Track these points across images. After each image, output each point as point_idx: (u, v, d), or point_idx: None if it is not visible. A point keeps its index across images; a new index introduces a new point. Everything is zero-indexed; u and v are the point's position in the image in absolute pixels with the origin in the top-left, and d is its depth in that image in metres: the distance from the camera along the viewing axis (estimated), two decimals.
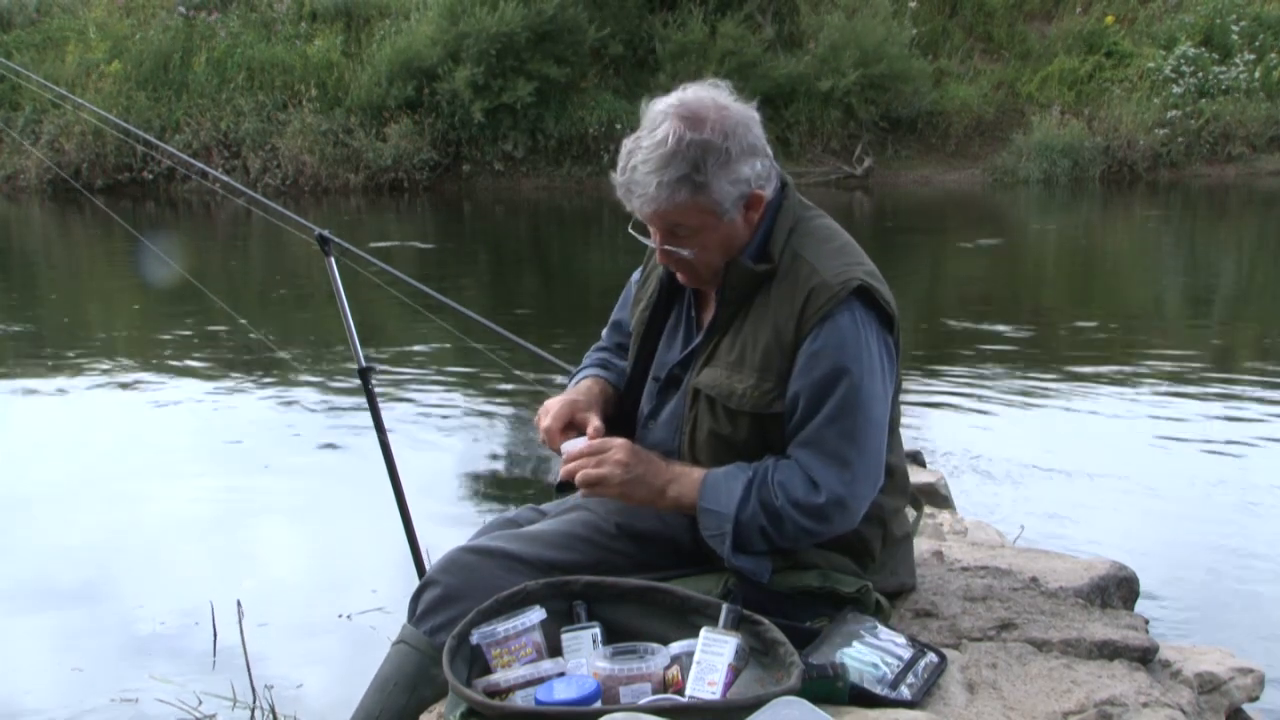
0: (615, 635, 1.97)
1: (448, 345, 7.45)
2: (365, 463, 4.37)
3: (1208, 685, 2.25)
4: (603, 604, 2.02)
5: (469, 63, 16.57)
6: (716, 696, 1.80)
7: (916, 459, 3.96)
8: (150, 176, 17.64)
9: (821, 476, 2.04)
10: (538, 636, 1.93)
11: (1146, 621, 2.35)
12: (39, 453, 5.88)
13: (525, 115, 17.09)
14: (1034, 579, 2.43)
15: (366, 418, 3.53)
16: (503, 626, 1.92)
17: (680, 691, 1.84)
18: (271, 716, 3.18)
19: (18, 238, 15.48)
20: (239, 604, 3.51)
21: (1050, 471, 5.18)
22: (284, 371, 7.16)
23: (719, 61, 16.52)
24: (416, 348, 7.87)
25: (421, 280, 4.27)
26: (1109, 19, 18.70)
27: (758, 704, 1.69)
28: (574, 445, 2.16)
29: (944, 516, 3.36)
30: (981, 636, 2.19)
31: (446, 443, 5.88)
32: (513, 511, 2.44)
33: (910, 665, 1.98)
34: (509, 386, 6.61)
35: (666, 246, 2.12)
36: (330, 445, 5.79)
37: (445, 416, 6.33)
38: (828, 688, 1.84)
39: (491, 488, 5.31)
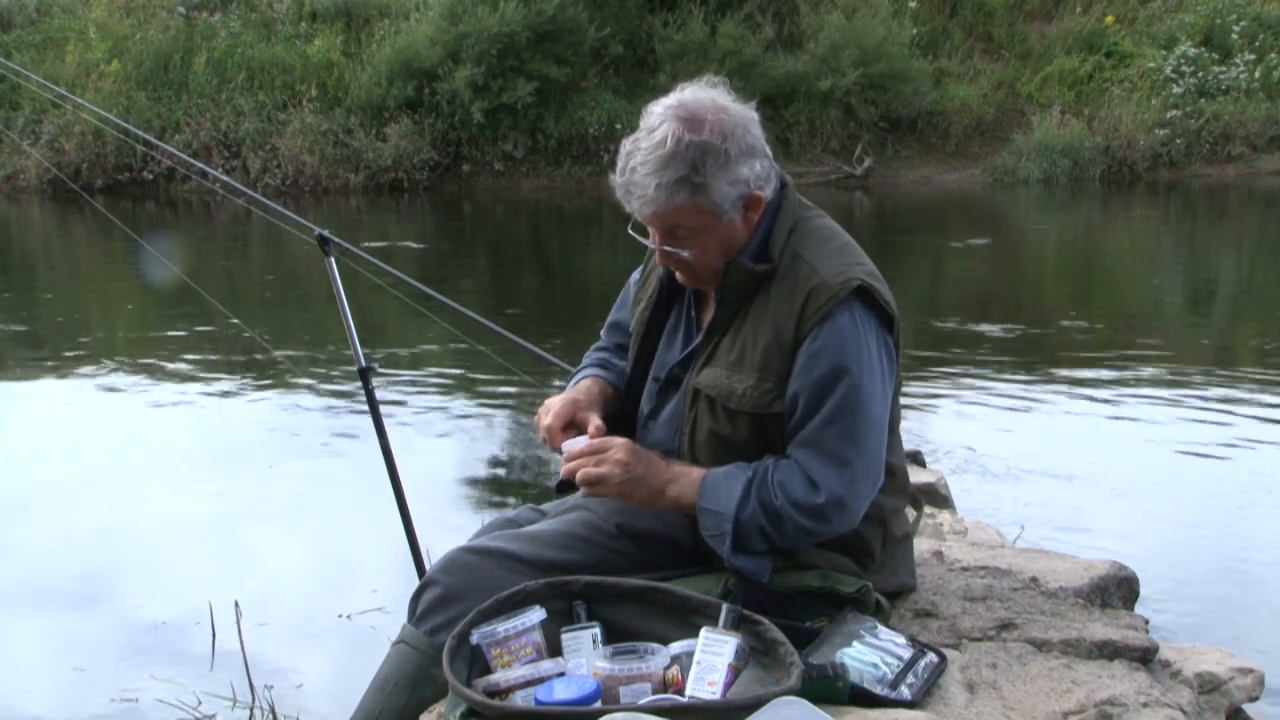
0: (615, 635, 1.97)
1: (448, 345, 7.45)
2: (365, 462, 4.37)
3: (1208, 685, 2.25)
4: (603, 604, 2.02)
5: (469, 63, 16.57)
6: (716, 696, 1.80)
7: (916, 459, 3.96)
8: (150, 176, 17.64)
9: (821, 476, 2.04)
10: (538, 636, 1.93)
11: (1146, 621, 2.35)
12: (39, 452, 5.87)
13: (525, 115, 17.09)
14: (1034, 579, 2.43)
15: (366, 418, 3.53)
16: (503, 626, 1.92)
17: (680, 691, 1.84)
18: (271, 716, 3.18)
19: (18, 238, 15.48)
20: (237, 604, 3.51)
21: (1050, 471, 5.18)
22: (284, 371, 7.16)
23: (719, 61, 16.51)
24: (416, 348, 7.87)
25: (420, 280, 4.27)
26: (1109, 19, 18.70)
27: (758, 704, 1.69)
28: (575, 444, 2.16)
29: (944, 516, 3.36)
30: (981, 636, 2.19)
31: (446, 443, 5.88)
32: (513, 511, 2.44)
33: (910, 665, 1.98)
34: (509, 386, 6.61)
35: (666, 247, 2.13)
36: (330, 445, 5.79)
37: (445, 416, 6.33)
38: (828, 688, 1.84)
39: (491, 488, 5.31)
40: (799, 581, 2.13)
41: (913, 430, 5.59)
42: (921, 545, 2.62)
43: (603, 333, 2.53)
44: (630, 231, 2.22)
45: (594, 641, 1.95)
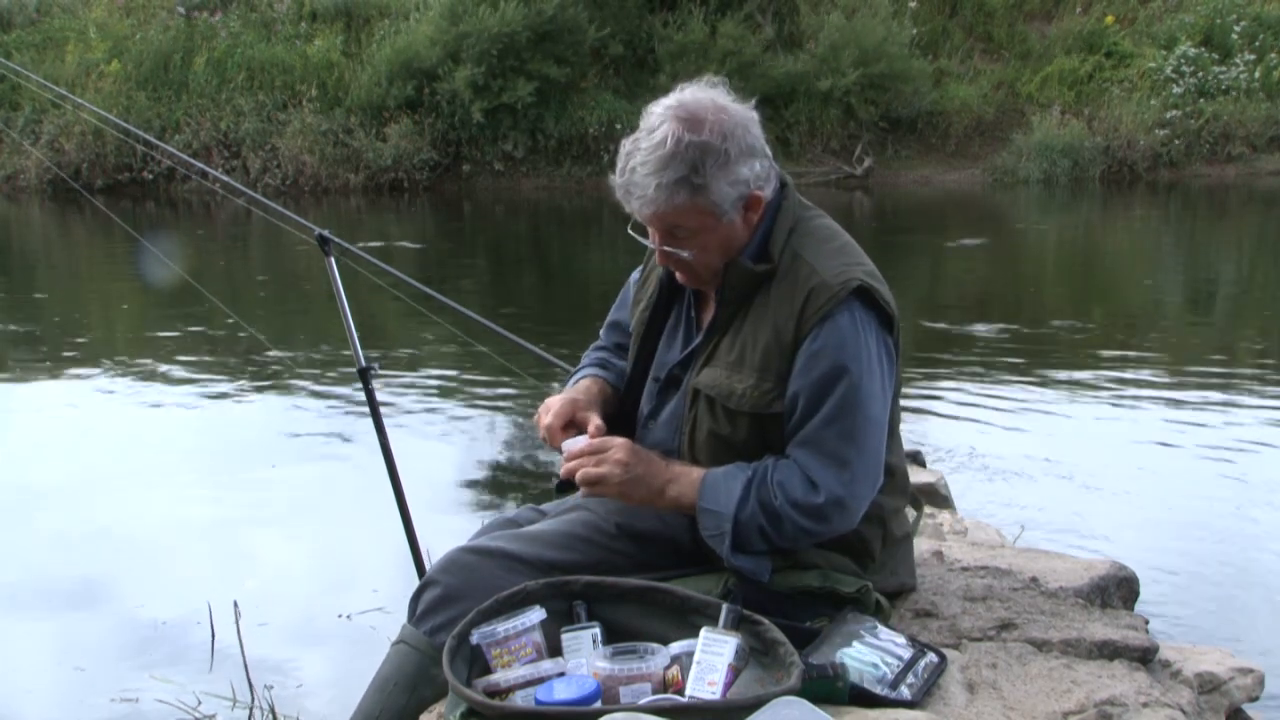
0: (615, 635, 1.97)
1: (448, 345, 7.45)
2: (365, 463, 4.38)
3: (1208, 685, 2.25)
4: (603, 604, 2.02)
5: (469, 63, 16.57)
6: (716, 696, 1.80)
7: (916, 459, 3.96)
8: (150, 176, 17.64)
9: (820, 477, 2.04)
10: (538, 636, 1.93)
11: (1146, 621, 2.35)
12: (38, 452, 5.87)
13: (525, 115, 17.09)
14: (1034, 579, 2.43)
15: (366, 418, 3.53)
16: (503, 626, 1.92)
17: (680, 691, 1.84)
18: (271, 716, 3.18)
19: (18, 238, 15.48)
20: (235, 604, 3.51)
21: (1050, 471, 5.18)
22: (284, 371, 7.17)
23: (719, 61, 16.52)
24: (416, 348, 7.87)
25: (420, 280, 4.27)
26: (1109, 19, 18.71)
27: (758, 704, 1.69)
28: (575, 444, 2.16)
29: (944, 516, 3.36)
30: (981, 636, 2.19)
31: (446, 442, 5.88)
32: (513, 511, 2.44)
33: (910, 665, 1.98)
34: (509, 386, 6.61)
35: (666, 247, 2.12)
36: (330, 445, 5.79)
37: (445, 416, 6.33)
38: (828, 688, 1.84)
39: (491, 488, 5.31)
40: (799, 581, 2.13)
41: (913, 430, 5.59)
42: (921, 545, 2.62)
43: (602, 332, 2.53)
44: (630, 231, 2.22)
45: (594, 641, 1.94)
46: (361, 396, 3.62)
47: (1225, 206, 15.80)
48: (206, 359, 7.78)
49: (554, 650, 1.95)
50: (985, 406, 6.25)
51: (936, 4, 19.19)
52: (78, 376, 7.43)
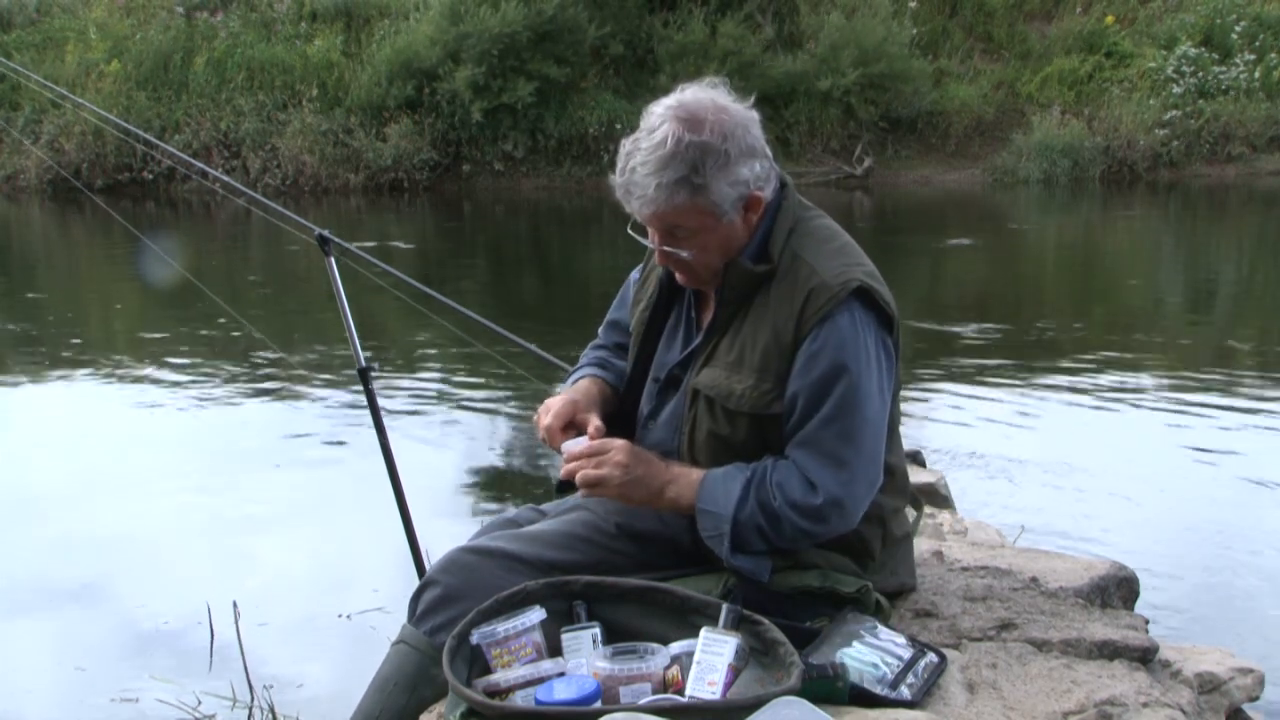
0: (615, 635, 1.97)
1: (448, 345, 7.45)
2: (365, 462, 4.37)
3: (1208, 685, 2.25)
4: (603, 604, 2.02)
5: (470, 63, 16.57)
6: (716, 696, 1.80)
7: (916, 459, 3.96)
8: (150, 176, 17.65)
9: (819, 477, 2.04)
10: (538, 636, 1.93)
11: (1146, 621, 2.35)
12: (38, 452, 5.88)
13: (525, 115, 17.09)
14: (1034, 579, 2.43)
15: (366, 417, 3.53)
16: (503, 626, 1.92)
17: (680, 691, 1.84)
18: (271, 716, 3.18)
19: (18, 238, 15.48)
20: (235, 604, 3.51)
21: (1050, 471, 5.18)
22: (283, 371, 7.17)
23: (719, 61, 16.53)
24: (416, 348, 7.87)
25: (418, 281, 4.27)
26: (1109, 19, 18.71)
27: (758, 704, 1.69)
28: (574, 445, 2.16)
29: (944, 516, 3.36)
30: (981, 636, 2.19)
31: (446, 443, 5.88)
32: (513, 511, 2.43)
33: (910, 665, 1.98)
34: (509, 386, 6.62)
35: (665, 247, 2.12)
36: (330, 445, 5.79)
37: (445, 416, 6.33)
38: (828, 688, 1.84)
39: (491, 488, 5.31)
40: (799, 581, 2.13)
41: (913, 430, 5.60)
42: (921, 545, 2.62)
43: (601, 331, 2.53)
44: (630, 231, 2.22)
45: (594, 641, 1.94)
46: (361, 397, 3.62)
47: (1225, 206, 15.80)
48: (206, 359, 7.78)
49: (554, 650, 1.95)
50: (985, 406, 6.25)
51: (936, 4, 19.20)
52: (78, 376, 7.43)
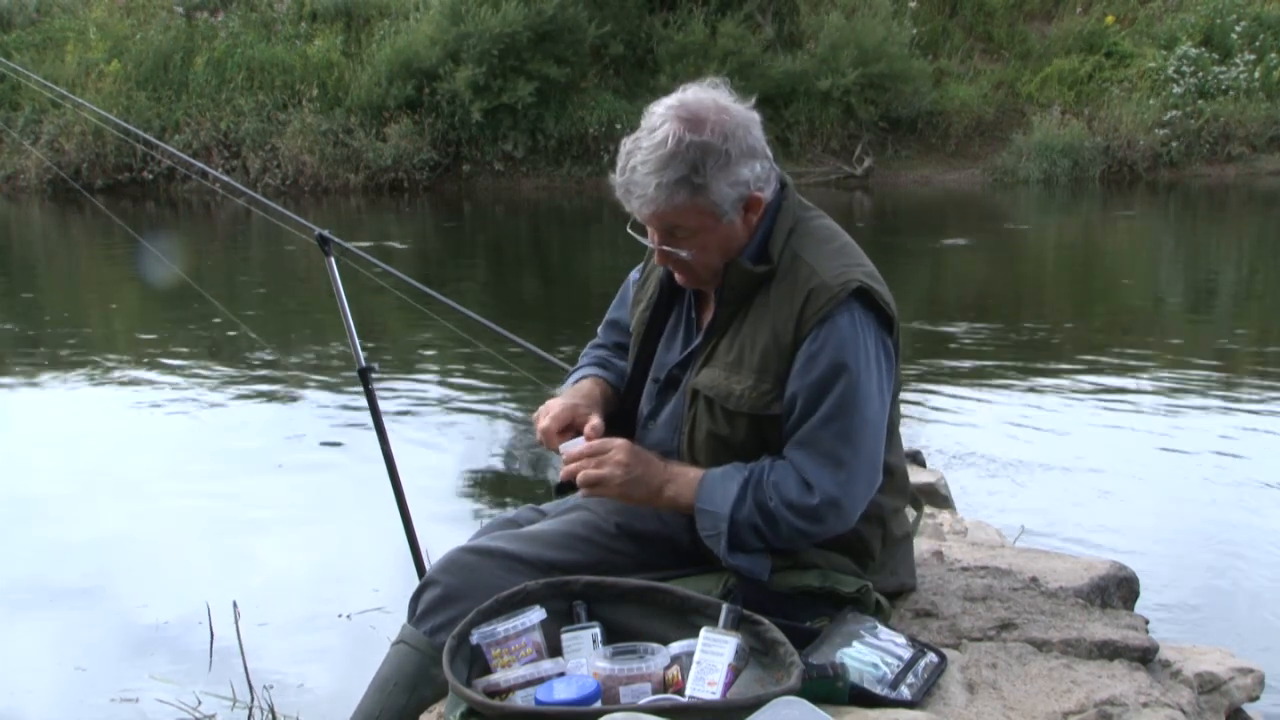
0: (615, 635, 1.97)
1: (448, 345, 7.45)
2: (365, 463, 4.38)
3: (1208, 685, 2.25)
4: (603, 604, 2.02)
5: (470, 63, 16.57)
6: (716, 696, 1.80)
7: (916, 459, 3.96)
8: (150, 176, 17.65)
9: (815, 478, 2.04)
10: (538, 636, 1.93)
11: (1146, 621, 2.35)
12: (38, 453, 5.87)
13: (525, 115, 17.10)
14: (1034, 579, 2.43)
15: (366, 418, 3.53)
16: (503, 626, 1.92)
17: (680, 691, 1.84)
18: (271, 716, 3.18)
19: (17, 238, 15.48)
20: (235, 604, 3.50)
21: (1050, 471, 5.18)
22: (283, 371, 7.17)
23: (719, 61, 16.53)
24: (416, 348, 7.87)
25: (417, 281, 4.27)
26: (1109, 19, 18.71)
27: (758, 704, 1.69)
28: (573, 446, 2.16)
29: (944, 516, 3.36)
30: (981, 636, 2.19)
31: (446, 443, 5.88)
32: (513, 511, 2.43)
33: (910, 665, 1.98)
34: (509, 386, 6.62)
35: (665, 247, 2.12)
36: (330, 445, 5.79)
37: (445, 416, 6.33)
38: (828, 688, 1.84)
39: (491, 488, 5.31)
40: (799, 581, 2.13)
41: (913, 430, 5.60)
42: (921, 545, 2.62)
43: (600, 330, 2.53)
44: (629, 231, 2.22)
45: (594, 641, 1.94)
46: (361, 397, 3.62)
47: (1225, 206, 15.80)
48: (206, 359, 7.78)
49: (554, 650, 1.95)
50: (985, 406, 6.25)
51: (936, 4, 19.20)
52: (78, 377, 7.43)
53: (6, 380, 7.61)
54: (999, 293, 10.28)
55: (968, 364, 7.25)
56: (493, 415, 6.43)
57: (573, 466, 2.14)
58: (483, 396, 6.71)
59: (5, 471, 5.52)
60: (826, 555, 2.16)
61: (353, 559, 4.38)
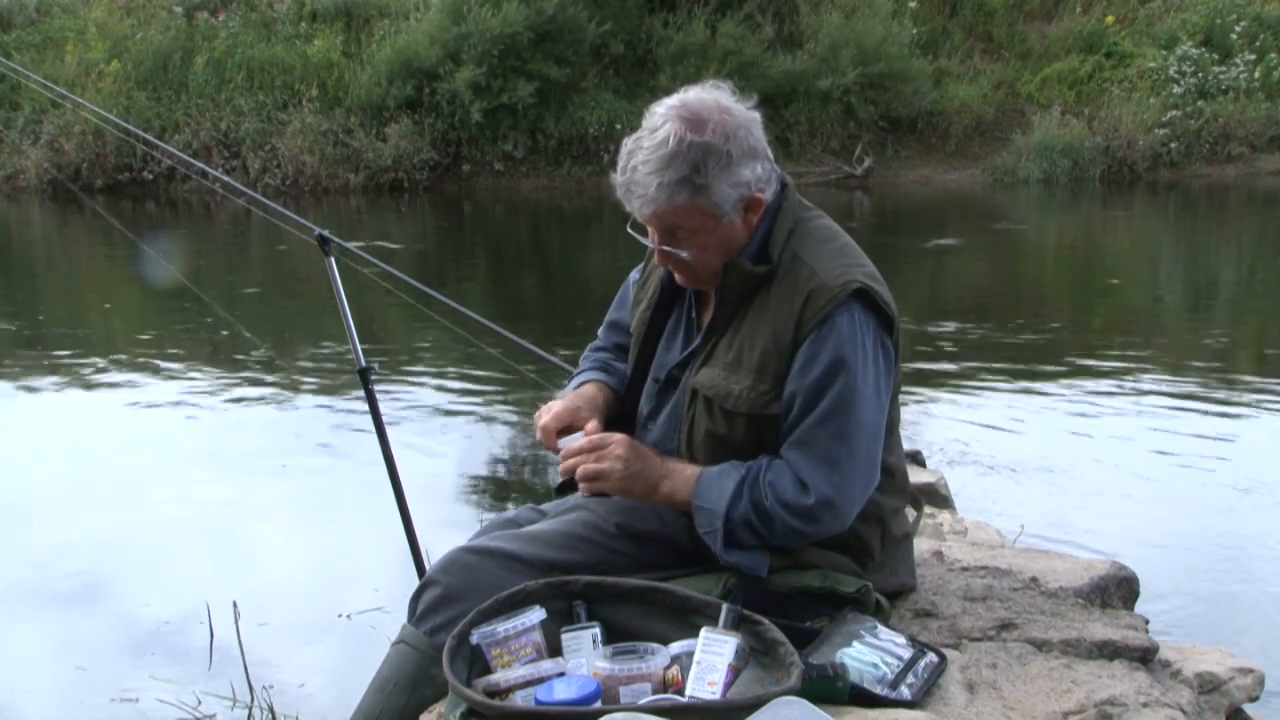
0: (615, 635, 1.97)
1: (448, 345, 7.45)
2: (365, 463, 4.38)
3: (1208, 685, 2.25)
4: (603, 604, 2.02)
5: (470, 63, 16.56)
6: (716, 696, 1.80)
7: (916, 459, 3.96)
8: (150, 176, 17.64)
9: (811, 478, 2.04)
10: (538, 636, 1.94)
11: (1146, 621, 2.35)
12: (38, 453, 5.87)
13: (525, 115, 17.09)
14: (1034, 579, 2.43)
15: (366, 418, 3.53)
16: (503, 626, 1.92)
17: (680, 691, 1.84)
18: (271, 716, 3.18)
19: (17, 238, 15.48)
20: (235, 604, 3.50)
21: (1050, 471, 5.18)
22: (283, 372, 7.17)
23: (719, 61, 16.52)
24: (417, 348, 7.87)
25: (417, 281, 4.27)
26: (1109, 19, 18.71)
27: (758, 704, 1.69)
28: (572, 441, 2.17)
29: (944, 516, 3.36)
30: (981, 636, 2.19)
31: (447, 443, 5.88)
32: (512, 511, 2.44)
33: (910, 665, 1.98)
34: (509, 386, 6.62)
35: (665, 247, 2.13)
36: (330, 445, 5.79)
37: (445, 417, 6.33)
38: (828, 688, 1.84)
39: (491, 488, 5.31)
40: (799, 581, 2.13)
41: (912, 430, 5.60)
42: (921, 545, 2.62)
43: (600, 331, 2.53)
44: (629, 231, 2.22)
45: (594, 641, 1.95)
46: (361, 397, 3.62)
47: (1225, 206, 15.80)
48: (206, 359, 7.78)
49: (554, 650, 1.95)
50: (985, 406, 6.25)
51: (936, 4, 19.19)
52: (77, 377, 7.43)
53: (6, 380, 7.61)
54: (998, 292, 10.28)
55: (969, 364, 7.25)
56: (493, 415, 6.43)
57: (571, 461, 2.14)
58: (483, 397, 6.71)
59: (5, 471, 5.52)
60: (826, 555, 2.16)
61: (353, 559, 4.38)
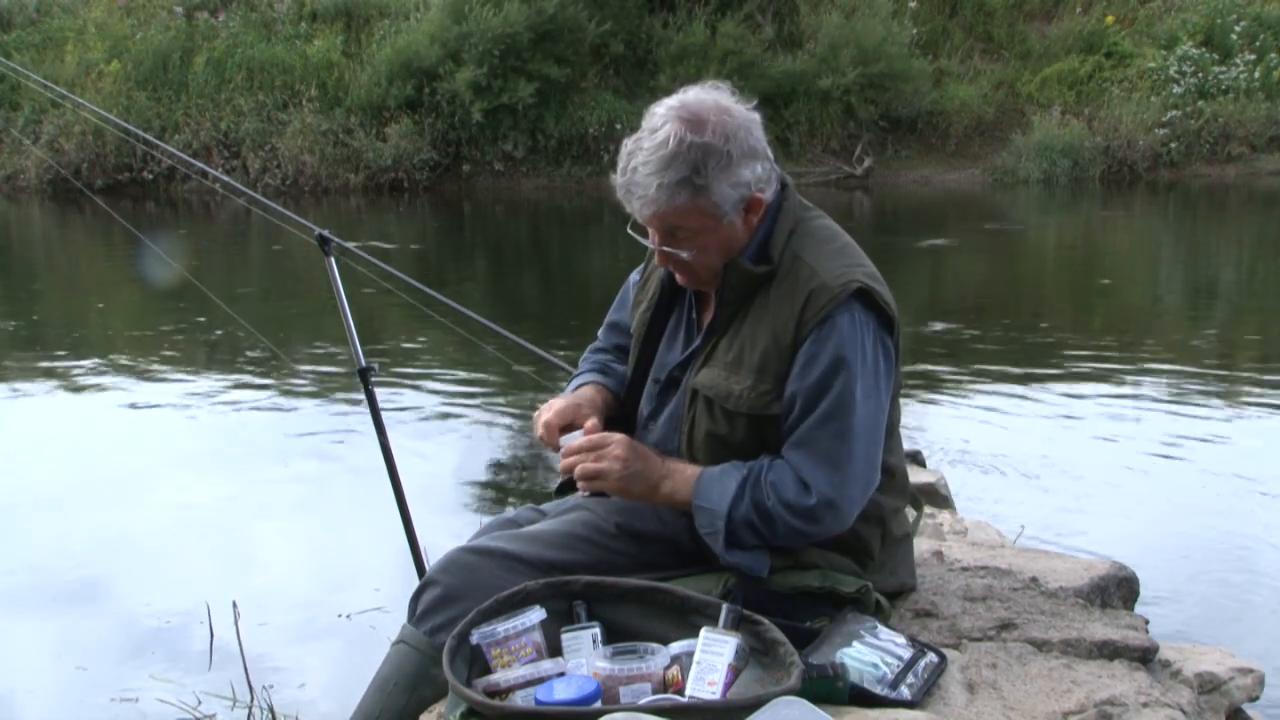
0: (615, 635, 1.97)
1: (448, 345, 7.45)
2: (365, 463, 4.37)
3: (1208, 685, 2.25)
4: (603, 604, 2.02)
5: (471, 63, 16.57)
6: (716, 696, 1.80)
7: (916, 459, 3.96)
8: (150, 176, 17.64)
9: (812, 478, 2.04)
10: (538, 636, 1.93)
11: (1146, 621, 2.35)
12: (38, 453, 5.87)
13: (525, 115, 17.09)
14: (1034, 579, 2.43)
15: (366, 418, 3.53)
16: (503, 626, 1.92)
17: (680, 691, 1.84)
18: (271, 716, 3.18)
19: (17, 238, 15.48)
20: (234, 604, 3.50)
21: (1050, 471, 5.18)
22: (284, 371, 7.16)
23: (719, 61, 16.53)
24: (416, 348, 7.87)
25: (417, 281, 4.27)
26: (1109, 19, 18.71)
27: (758, 704, 1.69)
28: (572, 440, 2.17)
29: (944, 516, 3.36)
30: (981, 636, 2.19)
31: (447, 443, 5.88)
32: (512, 511, 2.44)
33: (910, 665, 1.98)
34: (509, 386, 6.61)
35: (665, 248, 2.13)
36: (330, 445, 5.79)
37: (445, 416, 6.33)
38: (828, 688, 1.84)
39: (491, 488, 5.31)
40: (799, 581, 2.13)
41: (912, 430, 5.59)
42: (921, 545, 2.62)
43: (600, 333, 2.53)
44: (630, 231, 2.22)
45: (594, 641, 1.95)
46: (361, 397, 3.62)
47: (1225, 206, 15.80)
48: (206, 359, 7.78)
49: (554, 650, 1.95)
50: (985, 406, 6.25)
51: (936, 4, 19.20)
52: (75, 376, 7.43)
53: (6, 380, 7.61)
54: (998, 293, 10.28)
55: (969, 364, 7.25)
56: (493, 415, 6.42)
57: (571, 460, 2.15)
58: (483, 396, 6.71)
59: (5, 471, 5.52)
60: (826, 555, 2.16)
61: (353, 559, 4.38)
